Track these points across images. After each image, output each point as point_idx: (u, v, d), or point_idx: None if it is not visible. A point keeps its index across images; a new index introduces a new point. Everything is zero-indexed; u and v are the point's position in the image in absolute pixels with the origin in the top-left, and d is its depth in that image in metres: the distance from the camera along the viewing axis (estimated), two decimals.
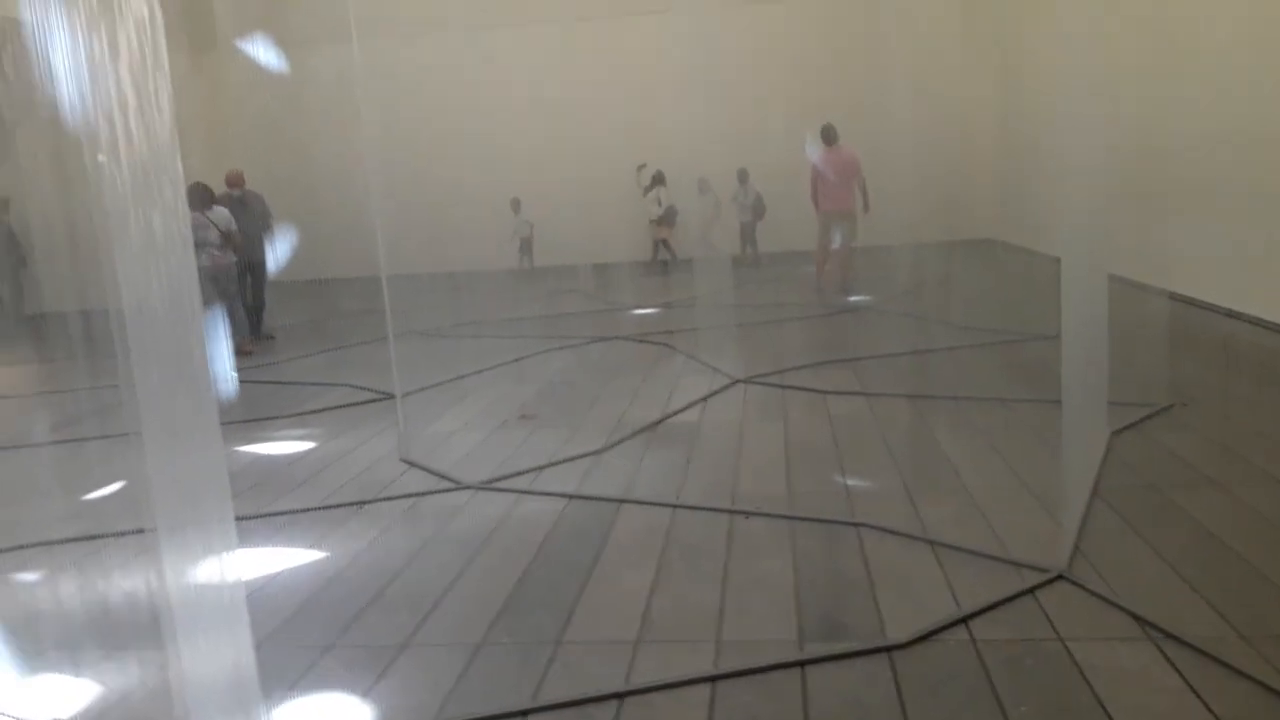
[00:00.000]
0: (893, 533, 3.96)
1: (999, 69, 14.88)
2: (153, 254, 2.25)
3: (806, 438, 5.52)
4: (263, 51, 14.70)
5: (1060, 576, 3.44)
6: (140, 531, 4.57)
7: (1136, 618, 3.11)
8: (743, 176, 14.65)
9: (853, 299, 10.76)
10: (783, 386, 6.83)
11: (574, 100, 14.95)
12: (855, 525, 4.08)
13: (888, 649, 3.04)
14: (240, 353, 9.68)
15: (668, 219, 15.25)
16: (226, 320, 9.67)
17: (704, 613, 3.38)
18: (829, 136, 11.20)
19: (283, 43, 14.81)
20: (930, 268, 11.88)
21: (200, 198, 9.34)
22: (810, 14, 15.41)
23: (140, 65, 1.98)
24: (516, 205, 15.72)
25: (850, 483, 4.68)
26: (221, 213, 9.50)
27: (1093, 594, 3.30)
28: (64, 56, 2.24)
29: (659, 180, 15.19)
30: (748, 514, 4.30)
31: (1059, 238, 4.00)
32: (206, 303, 9.58)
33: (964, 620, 3.19)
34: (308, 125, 14.47)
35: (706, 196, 14.60)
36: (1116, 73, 7.52)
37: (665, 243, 15.31)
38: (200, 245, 9.42)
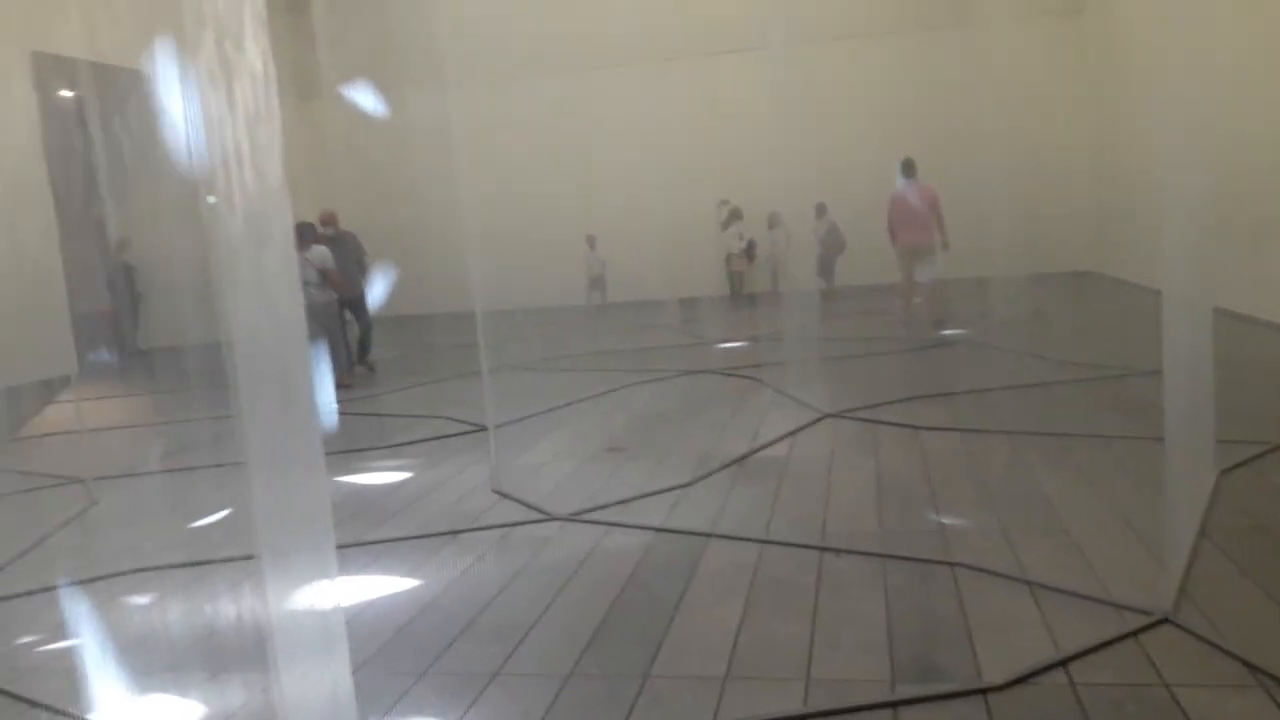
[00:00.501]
0: (989, 573, 3.87)
1: (1096, 98, 14.54)
2: (263, 293, 2.36)
3: (899, 474, 5.43)
4: (364, 97, 15.26)
5: (1165, 620, 3.31)
6: (247, 558, 4.74)
7: (1247, 664, 2.97)
8: (820, 210, 14.67)
9: (946, 332, 10.57)
10: (874, 421, 6.74)
11: (660, 138, 15.09)
12: (950, 565, 3.99)
13: (983, 691, 2.97)
14: (339, 386, 9.99)
15: (749, 253, 15.32)
16: (327, 355, 10.02)
17: (793, 650, 3.35)
18: (908, 170, 11.16)
19: (383, 88, 15.36)
20: (1026, 300, 11.59)
21: (300, 237, 9.73)
22: (902, 48, 15.33)
23: (254, 116, 2.10)
24: (592, 242, 15.93)
25: (945, 521, 4.59)
26: (320, 251, 9.86)
27: (1200, 638, 3.17)
28: (184, 108, 2.38)
29: (736, 215, 15.29)
30: (839, 551, 4.24)
31: (1160, 269, 3.87)
32: (317, 336, 9.98)
33: (1063, 663, 3.09)
34: (407, 167, 14.94)
35: (777, 231, 14.66)
36: (1220, 98, 7.30)
37: (740, 276, 15.37)
38: (301, 283, 9.81)
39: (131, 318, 15.04)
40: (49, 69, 12.14)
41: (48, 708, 3.37)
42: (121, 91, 11.22)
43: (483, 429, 7.27)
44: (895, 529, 4.52)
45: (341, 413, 8.81)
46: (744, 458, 6.05)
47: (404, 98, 14.88)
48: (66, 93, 13.43)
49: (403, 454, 7.01)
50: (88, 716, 3.29)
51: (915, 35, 15.25)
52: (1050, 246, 14.32)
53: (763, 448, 6.26)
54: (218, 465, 7.05)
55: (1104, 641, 3.20)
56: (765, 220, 14.96)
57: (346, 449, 7.24)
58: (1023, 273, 12.74)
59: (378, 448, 7.26)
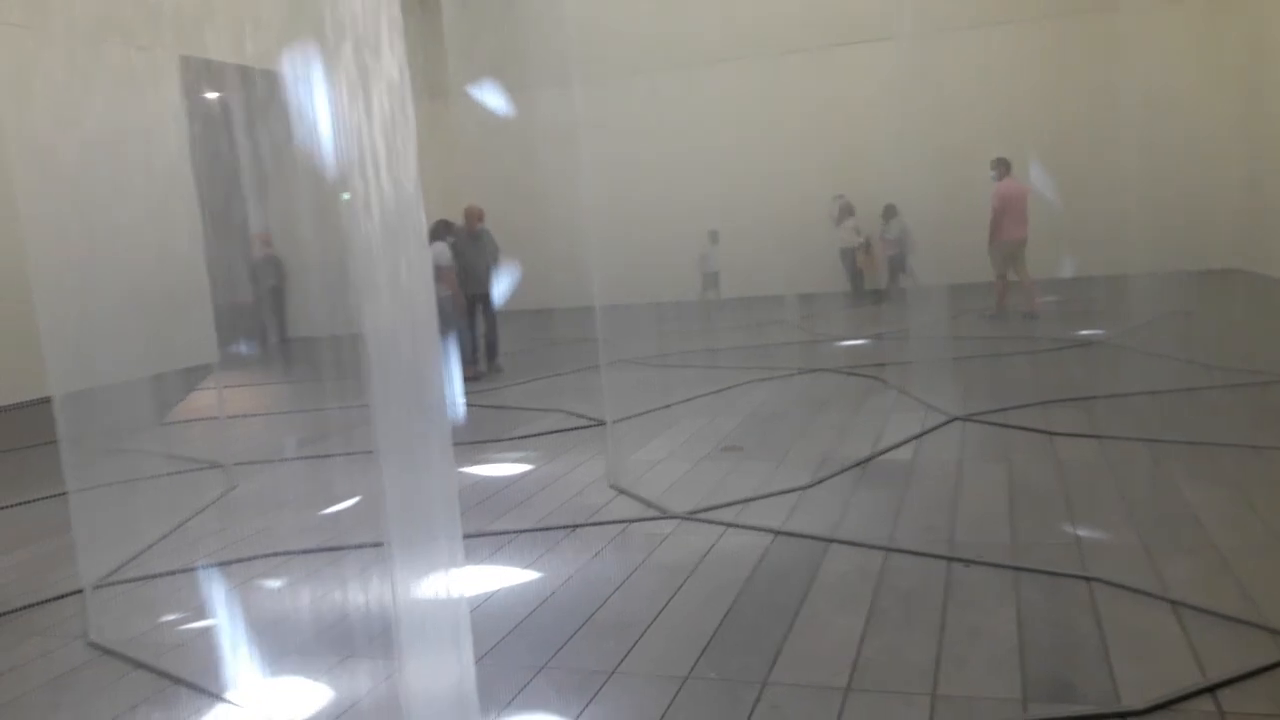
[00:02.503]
0: (1129, 589, 3.67)
1: (1243, 87, 13.65)
2: (396, 290, 2.41)
3: (1032, 482, 5.21)
4: (491, 97, 15.56)
5: None
6: (376, 545, 4.89)
7: None
8: (890, 213, 14.38)
9: (1084, 333, 10.11)
10: (1005, 426, 6.49)
11: (780, 130, 14.88)
12: (1087, 579, 3.80)
13: (1122, 715, 2.81)
14: (466, 379, 10.23)
15: (867, 248, 15.03)
16: (454, 348, 10.28)
17: (918, 664, 3.24)
18: (1006, 168, 11.37)
19: (510, 88, 15.62)
20: (1168, 299, 10.97)
21: (431, 234, 10.02)
22: (1030, 36, 14.71)
23: (389, 122, 2.14)
24: (714, 237, 15.78)
25: (1081, 533, 4.38)
26: (436, 248, 10.10)
27: None
28: (323, 111, 2.45)
29: (848, 211, 15.00)
30: (967, 562, 4.10)
31: None
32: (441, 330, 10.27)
33: (1211, 689, 2.90)
34: (532, 165, 15.18)
35: (893, 224, 14.36)
36: None
37: (861, 272, 15.05)
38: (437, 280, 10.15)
39: (276, 309, 15.74)
40: (197, 72, 12.79)
41: (188, 684, 3.54)
42: (265, 94, 11.72)
43: (601, 423, 7.32)
44: (1028, 540, 4.33)
45: (465, 404, 9.01)
46: (867, 460, 5.91)
47: (530, 97, 15.12)
48: (212, 94, 14.13)
49: (524, 446, 7.12)
50: (224, 695, 3.44)
51: (1047, 23, 14.61)
52: (1193, 242, 13.53)
53: (887, 450, 6.10)
54: (350, 454, 7.29)
55: (1258, 668, 2.99)
56: (880, 213, 14.65)
57: (469, 440, 7.40)
58: (1164, 270, 12.09)
59: (500, 440, 7.39)
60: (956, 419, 6.78)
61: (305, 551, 5.03)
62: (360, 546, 4.99)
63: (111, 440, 7.30)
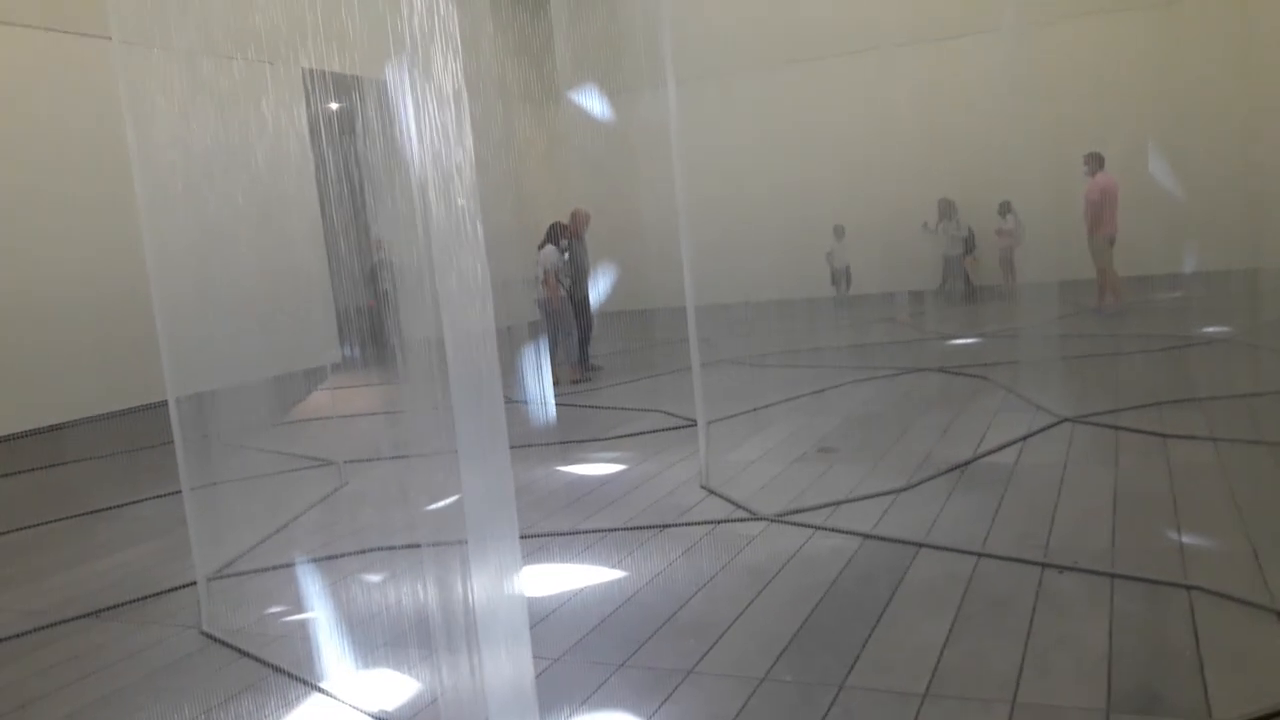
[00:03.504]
0: (1232, 599, 3.48)
1: None
2: (465, 293, 2.49)
3: (1139, 487, 4.99)
4: (592, 100, 15.76)
5: None
6: (461, 542, 5.02)
7: None
8: (948, 210, 14.08)
9: (1209, 330, 9.60)
10: (1116, 428, 6.23)
11: (887, 127, 14.59)
12: (1187, 588, 3.62)
13: None
14: (572, 380, 10.39)
15: (969, 246, 14.61)
16: (557, 349, 10.47)
17: (1001, 671, 3.15)
18: (1099, 163, 11.23)
19: (609, 91, 15.78)
20: None
21: (547, 237, 10.27)
22: (1143, 23, 14.01)
23: (442, 135, 2.21)
24: (840, 233, 15.54)
25: (1186, 540, 4.17)
26: (545, 253, 10.28)
27: None
28: (409, 121, 2.55)
29: (946, 212, 14.58)
30: (1062, 568, 3.96)
31: None
32: (544, 332, 10.48)
33: None
34: (630, 165, 15.31)
35: (1007, 219, 13.92)
36: None
37: (968, 271, 14.64)
38: (537, 280, 10.36)
39: (391, 312, 16.29)
40: (319, 84, 13.34)
41: (288, 674, 3.71)
42: (380, 103, 12.13)
43: (695, 424, 7.33)
44: (1129, 546, 4.15)
45: (565, 405, 9.16)
46: (967, 463, 5.76)
47: (631, 98, 15.25)
48: (334, 105, 14.72)
49: (618, 446, 7.19)
50: (320, 684, 3.60)
51: (1155, 10, 13.89)
52: None
53: (989, 453, 5.93)
54: (452, 452, 7.49)
55: None
56: (996, 209, 14.22)
57: (565, 440, 7.51)
58: None
59: (596, 439, 7.49)
60: (1066, 420, 6.54)
61: (402, 547, 5.21)
62: (448, 544, 5.13)
63: (230, 439, 7.69)
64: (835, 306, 14.95)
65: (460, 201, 2.34)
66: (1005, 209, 14.18)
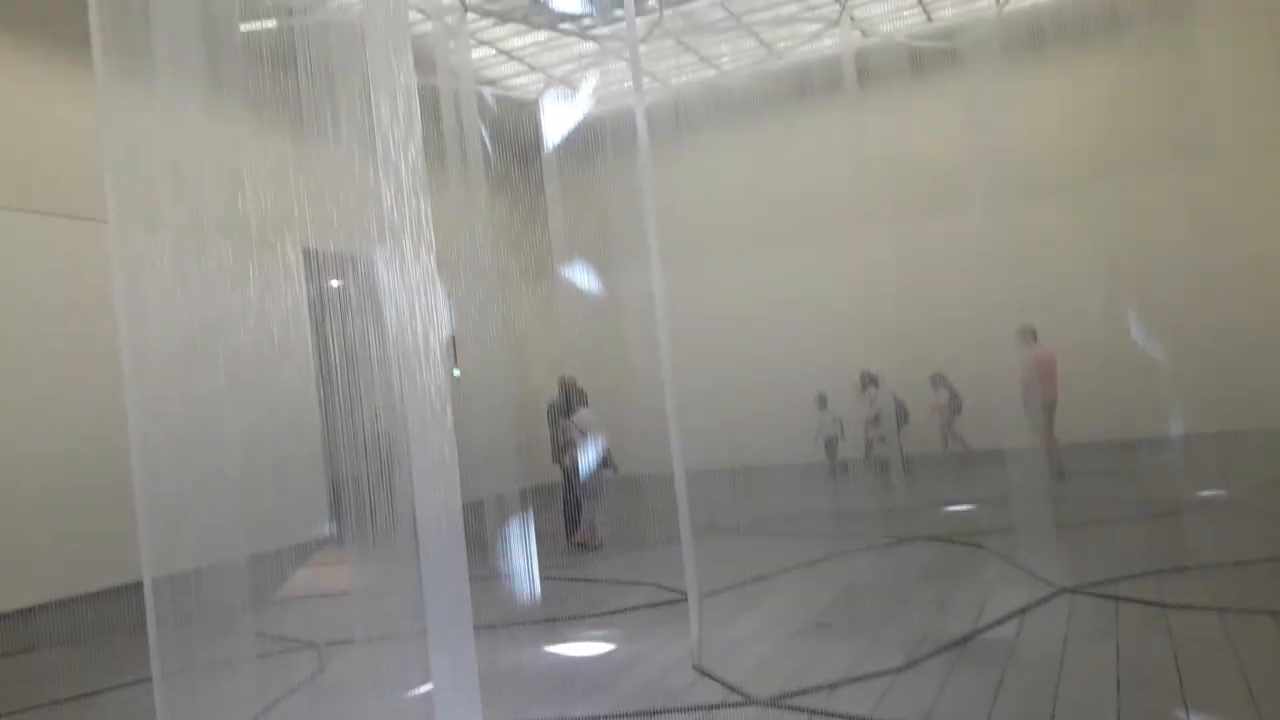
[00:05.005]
0: None
1: None
2: (434, 472, 2.46)
3: (1143, 662, 4.82)
4: (581, 275, 16.20)
5: None
6: None
7: None
8: (869, 383, 14.82)
9: (1204, 493, 9.52)
10: (1115, 598, 6.07)
11: (867, 296, 14.86)
12: None
13: None
14: (589, 547, 10.22)
15: (885, 419, 14.89)
16: (578, 516, 10.37)
17: None
18: (1032, 335, 11.87)
19: (599, 266, 16.24)
20: None
21: (571, 400, 10.37)
22: (1119, 194, 14.58)
23: (414, 319, 2.24)
24: (822, 401, 15.62)
25: (1195, 719, 3.99)
26: (583, 415, 10.34)
27: None
28: (388, 305, 2.58)
29: (869, 381, 15.01)
30: None
31: None
32: (572, 497, 10.40)
33: None
34: (620, 335, 15.62)
35: (939, 391, 14.62)
36: None
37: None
38: (569, 445, 10.37)
39: (386, 483, 16.12)
40: (315, 261, 13.69)
41: None
42: (371, 280, 12.41)
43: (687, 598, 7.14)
44: None
45: (555, 578, 8.94)
46: (966, 639, 5.58)
47: (615, 274, 15.74)
48: (335, 282, 15.06)
49: (609, 624, 6.97)
50: None
51: (1132, 178, 14.48)
52: None
53: (987, 628, 5.76)
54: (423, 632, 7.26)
55: None
56: (929, 381, 14.66)
57: (553, 618, 7.29)
58: None
59: (586, 616, 7.27)
60: (1064, 591, 6.38)
61: None
62: None
63: (208, 621, 7.45)
64: (831, 476, 14.85)
65: (428, 381, 2.35)
66: (938, 381, 14.63)
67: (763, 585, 7.67)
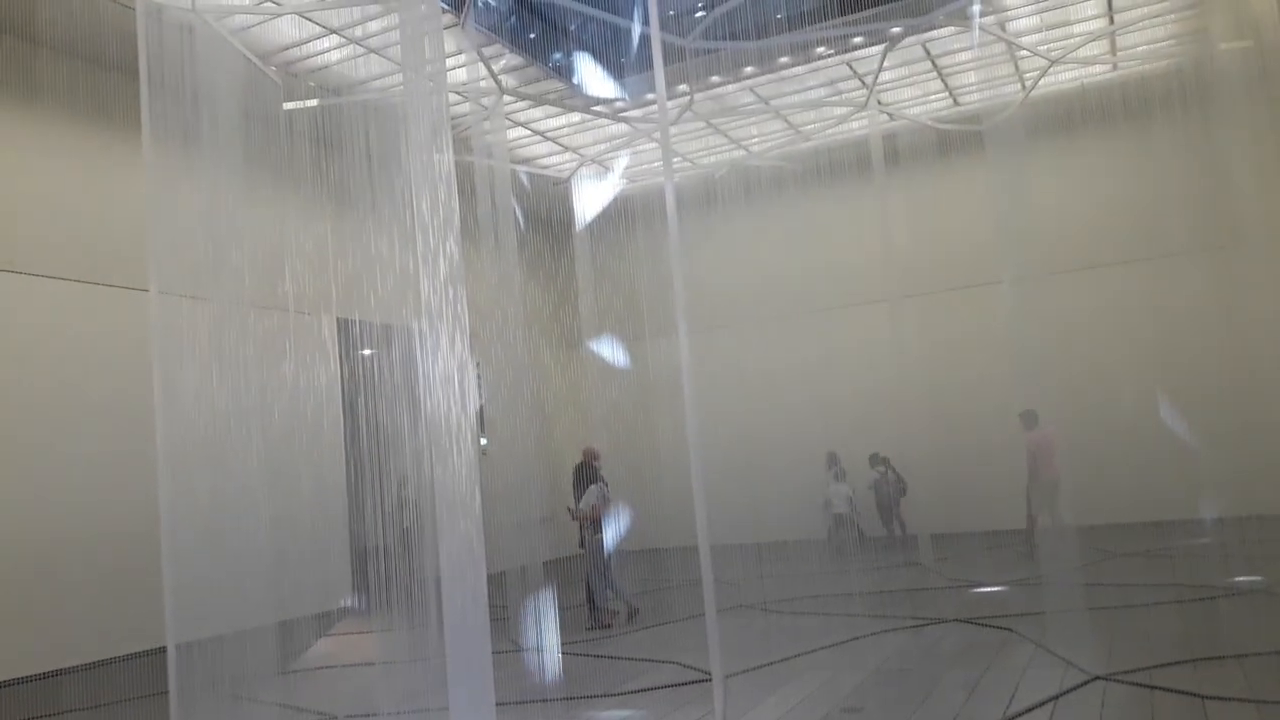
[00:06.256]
0: None
1: None
2: (461, 559, 2.50)
3: None
4: (610, 352, 16.36)
5: None
6: None
7: None
8: (832, 462, 15.40)
9: (1240, 579, 9.33)
10: (1151, 687, 5.94)
11: (895, 372, 14.85)
12: None
13: None
14: (603, 625, 10.12)
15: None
16: (592, 592, 10.29)
17: None
18: (1034, 420, 12.11)
19: (627, 340, 16.40)
20: None
21: (588, 475, 10.43)
22: (1146, 276, 14.58)
23: (449, 404, 2.31)
24: (833, 462, 15.53)
25: None
26: (593, 492, 10.36)
27: None
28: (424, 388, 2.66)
29: (834, 461, 15.45)
30: None
31: None
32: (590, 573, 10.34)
33: None
34: (647, 411, 15.70)
35: (876, 470, 15.26)
36: None
37: (901, 520, 15.10)
38: (582, 524, 10.36)
39: (410, 552, 16.10)
40: (348, 331, 13.92)
41: None
42: (405, 358, 12.58)
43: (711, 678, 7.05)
44: None
45: (576, 654, 8.86)
46: None
47: (646, 351, 15.90)
48: (366, 351, 15.27)
49: (631, 703, 6.89)
50: None
51: (1157, 263, 14.51)
52: None
53: (1019, 715, 5.64)
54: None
55: None
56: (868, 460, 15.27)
57: (574, 695, 7.22)
58: None
59: (608, 695, 7.19)
60: (1098, 678, 6.25)
61: None
62: None
63: (230, 689, 7.44)
64: (847, 553, 14.68)
65: (459, 464, 2.41)
66: (875, 460, 15.17)
67: (788, 666, 7.55)
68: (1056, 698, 5.91)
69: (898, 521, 15.13)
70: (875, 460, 15.25)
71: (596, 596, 10.32)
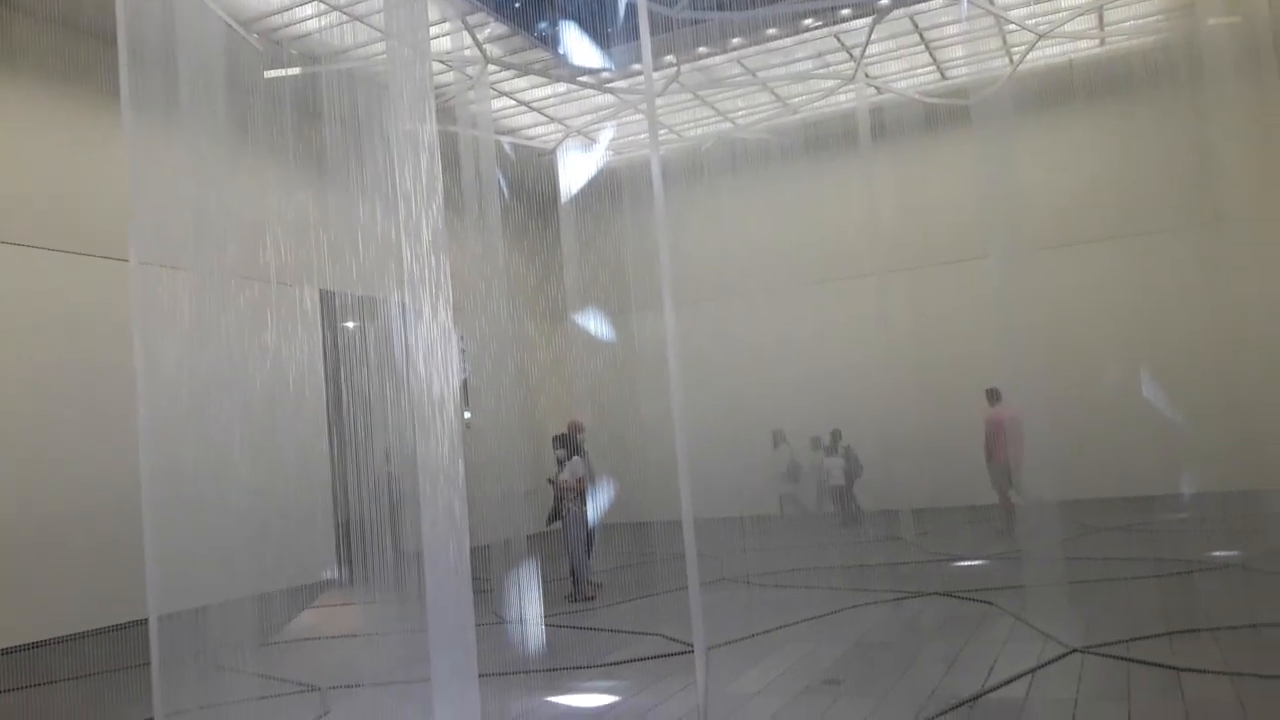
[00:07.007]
0: None
1: None
2: (444, 528, 2.48)
3: None
4: (594, 322, 16.30)
5: None
6: None
7: None
8: (779, 440, 15.61)
9: (1217, 554, 9.43)
10: (1128, 659, 6.01)
11: (881, 346, 14.87)
12: None
13: None
14: (584, 598, 10.14)
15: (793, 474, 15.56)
16: (573, 567, 10.29)
17: None
18: (997, 397, 12.28)
19: (612, 313, 16.35)
20: None
21: (568, 445, 10.38)
22: (1132, 251, 14.63)
23: (431, 373, 2.28)
24: (833, 440, 15.52)
25: None
26: (575, 465, 10.32)
27: None
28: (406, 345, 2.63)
29: (781, 439, 15.62)
30: None
31: None
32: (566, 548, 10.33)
33: None
34: (632, 383, 15.68)
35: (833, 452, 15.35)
36: None
37: (855, 498, 15.29)
38: (562, 498, 10.33)
39: (394, 524, 16.10)
40: (332, 303, 13.83)
41: None
42: (387, 329, 12.51)
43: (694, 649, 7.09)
44: None
45: (563, 626, 8.89)
46: (975, 698, 5.53)
47: (631, 323, 15.85)
48: (349, 324, 15.18)
49: (614, 674, 6.92)
50: None
51: (1142, 239, 14.55)
52: None
53: (997, 687, 5.70)
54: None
55: None
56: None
57: (557, 666, 7.25)
58: None
59: (590, 666, 7.22)
60: (1075, 651, 6.32)
61: None
62: None
63: (214, 660, 7.43)
64: (841, 526, 14.75)
65: (441, 434, 2.39)
66: (836, 438, 15.26)
67: (770, 638, 7.60)
68: (1035, 669, 5.97)
69: (853, 502, 15.24)
70: (836, 438, 15.27)
71: (578, 569, 10.34)
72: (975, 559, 10.66)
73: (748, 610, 8.88)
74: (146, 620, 6.11)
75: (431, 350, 2.36)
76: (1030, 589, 8.33)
